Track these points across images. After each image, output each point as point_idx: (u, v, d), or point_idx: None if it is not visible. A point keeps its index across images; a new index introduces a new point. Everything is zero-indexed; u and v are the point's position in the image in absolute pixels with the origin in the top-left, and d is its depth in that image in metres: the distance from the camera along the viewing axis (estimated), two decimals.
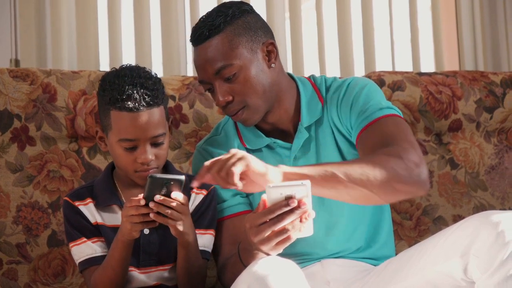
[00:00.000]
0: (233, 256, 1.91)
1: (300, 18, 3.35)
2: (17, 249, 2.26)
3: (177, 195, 1.76)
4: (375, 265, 2.03)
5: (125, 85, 1.90)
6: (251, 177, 1.66)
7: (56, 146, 2.34)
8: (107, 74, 1.98)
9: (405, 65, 3.55)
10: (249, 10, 1.99)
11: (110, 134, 1.93)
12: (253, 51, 1.96)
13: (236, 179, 1.62)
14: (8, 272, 2.25)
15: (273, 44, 2.00)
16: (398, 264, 1.85)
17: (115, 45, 3.17)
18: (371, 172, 1.73)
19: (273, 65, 1.99)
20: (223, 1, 2.06)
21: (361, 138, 1.96)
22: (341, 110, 2.03)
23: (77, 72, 2.39)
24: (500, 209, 2.62)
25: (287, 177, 1.68)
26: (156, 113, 1.92)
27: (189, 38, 1.99)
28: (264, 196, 1.63)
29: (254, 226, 1.64)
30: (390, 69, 3.41)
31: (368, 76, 2.63)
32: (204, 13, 2.01)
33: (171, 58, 3.20)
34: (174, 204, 1.76)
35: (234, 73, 1.93)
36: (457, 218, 2.57)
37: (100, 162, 2.34)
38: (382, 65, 3.47)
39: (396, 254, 2.00)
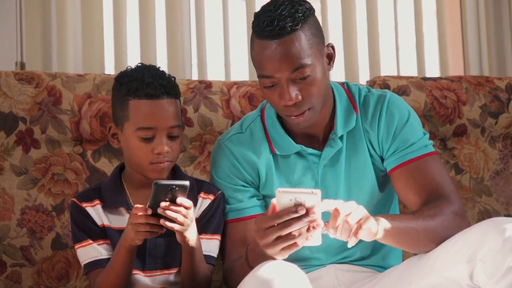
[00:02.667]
0: (241, 258, 1.90)
1: None
2: (21, 252, 2.26)
3: (183, 201, 1.76)
4: (380, 272, 2.02)
5: (144, 76, 1.94)
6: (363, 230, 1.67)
7: (61, 149, 2.34)
8: (123, 71, 2.01)
9: (410, 69, 3.55)
10: (313, 8, 1.93)
11: (127, 125, 1.94)
12: (321, 53, 1.90)
13: (357, 235, 1.65)
14: (12, 275, 2.25)
15: (333, 48, 1.96)
16: (404, 269, 1.85)
17: (120, 49, 3.18)
18: (439, 231, 1.81)
19: (331, 69, 1.96)
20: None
21: (401, 171, 1.98)
22: (380, 130, 2.02)
23: (82, 75, 2.39)
24: (505, 215, 2.62)
25: (388, 232, 1.73)
26: (174, 104, 1.95)
27: (261, 29, 1.85)
28: (274, 200, 1.62)
29: (261, 228, 1.63)
30: (395, 74, 3.42)
31: (373, 81, 2.63)
32: (264, 4, 1.91)
33: (176, 62, 3.20)
34: (180, 209, 1.76)
35: (308, 74, 1.86)
36: None
37: (105, 166, 2.34)
38: (387, 69, 3.47)
39: (403, 260, 2.00)
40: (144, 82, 1.93)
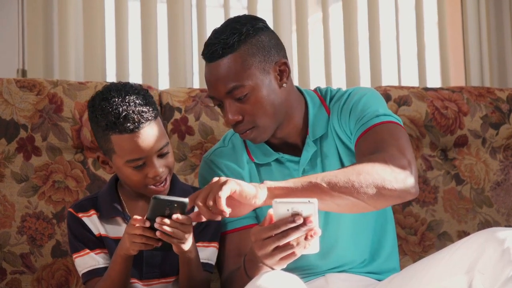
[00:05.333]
0: (239, 269, 1.90)
1: (307, 31, 3.36)
2: (21, 259, 2.26)
3: (179, 217, 1.74)
4: (379, 280, 2.02)
5: (118, 107, 1.87)
6: (241, 200, 1.65)
7: (62, 157, 2.34)
8: (93, 100, 1.93)
9: (411, 80, 3.55)
10: (263, 27, 1.96)
11: (115, 157, 1.92)
12: (265, 71, 1.93)
13: (223, 204, 1.61)
14: (11, 282, 2.25)
15: (285, 64, 1.97)
16: (403, 279, 1.85)
17: (122, 57, 3.18)
18: (356, 179, 1.72)
19: (284, 84, 1.97)
20: (236, 15, 2.03)
21: (358, 146, 1.96)
22: (341, 118, 2.02)
23: (84, 83, 2.39)
24: (505, 226, 2.62)
25: (272, 192, 1.68)
26: (156, 125, 1.91)
27: (201, 52, 1.96)
28: (271, 211, 1.62)
29: (259, 239, 1.63)
30: (396, 84, 3.42)
31: None
32: (217, 26, 1.98)
33: (177, 70, 3.20)
34: (177, 225, 1.75)
35: (246, 93, 1.91)
36: (462, 234, 2.56)
37: (105, 173, 2.34)
38: (388, 79, 3.47)
39: (401, 269, 2.00)
40: (120, 115, 1.86)
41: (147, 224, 1.75)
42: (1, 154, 2.29)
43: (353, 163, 1.90)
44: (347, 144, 2.03)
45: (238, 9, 3.48)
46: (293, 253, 1.63)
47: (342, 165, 2.03)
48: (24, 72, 3.06)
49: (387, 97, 2.56)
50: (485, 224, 2.60)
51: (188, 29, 3.27)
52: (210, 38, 1.95)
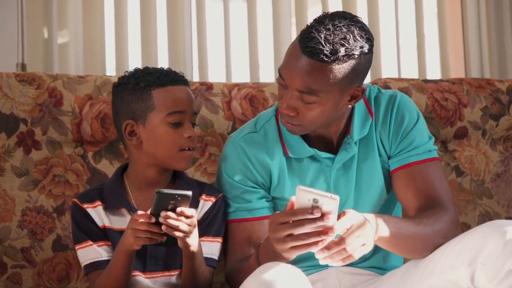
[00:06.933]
0: (247, 258, 1.90)
1: (306, 23, 3.35)
2: (21, 253, 2.26)
3: (184, 210, 1.75)
4: (382, 274, 2.02)
5: (161, 68, 2.02)
6: None
7: (62, 151, 2.34)
8: (132, 73, 2.02)
9: (411, 72, 3.55)
10: (368, 51, 1.87)
11: (152, 115, 1.95)
12: (342, 92, 1.87)
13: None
14: (12, 276, 2.25)
15: (363, 91, 1.92)
16: (405, 272, 1.86)
17: (121, 50, 3.18)
18: (435, 240, 1.83)
19: (349, 105, 1.93)
20: (354, 15, 1.92)
21: (403, 172, 1.99)
22: (390, 130, 2.03)
23: (83, 77, 2.39)
24: (506, 217, 2.62)
25: (383, 238, 1.75)
26: (190, 92, 2.03)
27: (302, 36, 1.86)
28: (293, 198, 1.61)
29: (275, 223, 1.62)
30: (396, 76, 3.41)
31: (374, 83, 2.63)
32: (327, 14, 1.91)
33: (177, 64, 3.20)
34: (182, 218, 1.75)
35: (313, 102, 1.85)
36: (463, 226, 2.57)
37: (106, 167, 2.34)
38: (388, 72, 3.47)
39: (404, 263, 2.00)
40: (163, 72, 1.99)
41: (153, 220, 1.75)
42: (1, 148, 2.29)
43: (397, 186, 2.01)
44: (387, 153, 2.04)
45: (237, 2, 3.47)
46: (305, 246, 1.61)
47: (384, 170, 2.04)
48: (23, 66, 3.06)
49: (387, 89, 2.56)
50: (486, 216, 2.60)
51: (187, 22, 3.26)
52: (318, 29, 1.83)
